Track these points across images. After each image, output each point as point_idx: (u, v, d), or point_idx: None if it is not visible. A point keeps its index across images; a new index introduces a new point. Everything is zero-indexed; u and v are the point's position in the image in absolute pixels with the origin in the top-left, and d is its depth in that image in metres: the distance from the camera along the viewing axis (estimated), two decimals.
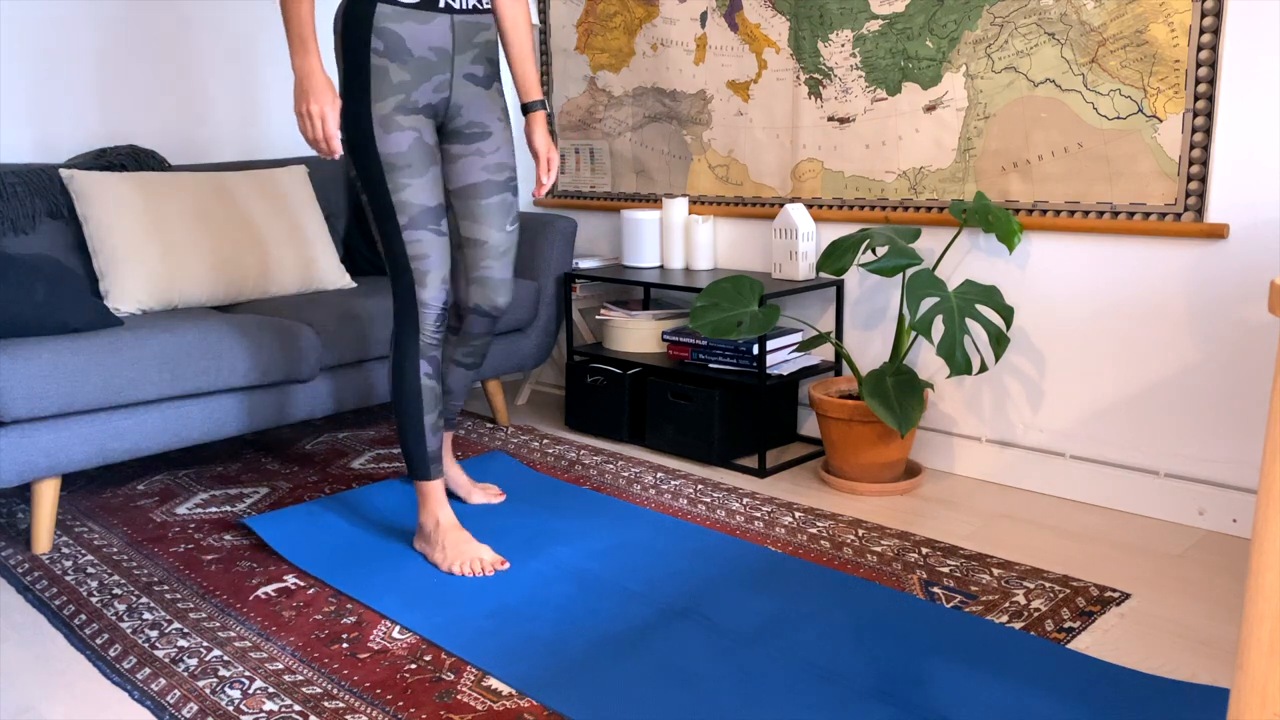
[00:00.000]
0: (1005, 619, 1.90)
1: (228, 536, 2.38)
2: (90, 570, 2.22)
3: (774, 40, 2.89)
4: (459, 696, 1.69)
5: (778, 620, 1.90)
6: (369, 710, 1.65)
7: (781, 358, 2.81)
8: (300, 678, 1.76)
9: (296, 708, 1.67)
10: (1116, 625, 1.89)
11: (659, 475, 2.74)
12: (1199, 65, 2.18)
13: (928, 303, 2.68)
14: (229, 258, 2.86)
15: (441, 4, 2.03)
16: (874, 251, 2.58)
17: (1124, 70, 2.28)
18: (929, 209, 2.67)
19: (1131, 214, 2.33)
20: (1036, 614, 1.92)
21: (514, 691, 1.70)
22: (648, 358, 3.03)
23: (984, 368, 2.42)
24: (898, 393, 2.46)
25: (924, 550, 2.21)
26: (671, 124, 3.21)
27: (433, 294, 2.10)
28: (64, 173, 2.78)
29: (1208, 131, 2.19)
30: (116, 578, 2.18)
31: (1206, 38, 2.16)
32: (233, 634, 1.92)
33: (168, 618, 1.99)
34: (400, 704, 1.67)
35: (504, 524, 2.39)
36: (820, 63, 2.80)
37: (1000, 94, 2.48)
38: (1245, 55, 2.13)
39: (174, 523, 2.47)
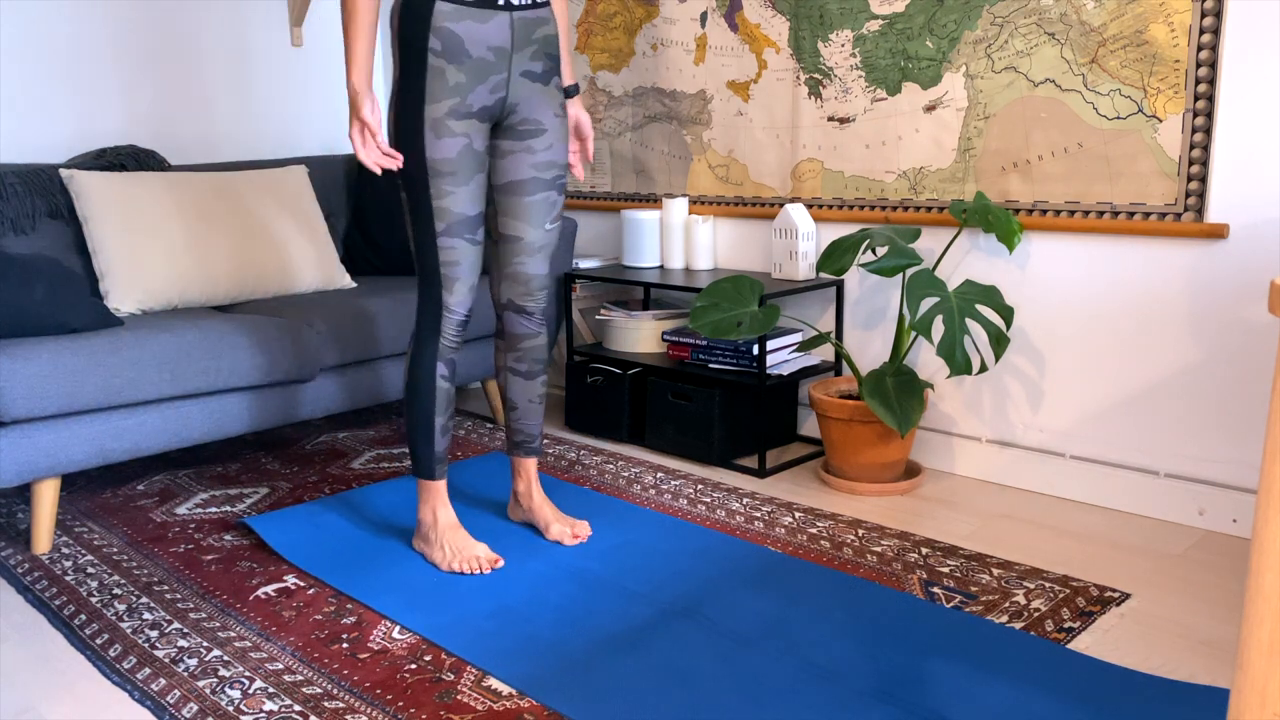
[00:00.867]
0: (1005, 619, 1.90)
1: (228, 536, 2.38)
2: (90, 570, 2.22)
3: (774, 40, 2.89)
4: (459, 696, 1.69)
5: (778, 620, 1.90)
6: (369, 710, 1.65)
7: (781, 358, 2.81)
8: (300, 678, 1.76)
9: (296, 708, 1.67)
10: (1116, 625, 1.89)
11: (659, 475, 2.74)
12: (1199, 65, 2.18)
13: (928, 303, 2.68)
14: (229, 258, 2.86)
15: (501, 1, 1.97)
16: (874, 251, 2.58)
17: (1124, 70, 2.28)
18: (929, 209, 2.67)
19: (1131, 214, 2.33)
20: (1036, 614, 1.92)
21: (514, 691, 1.70)
22: (648, 358, 3.03)
23: (984, 368, 2.42)
24: (898, 393, 2.46)
25: (924, 550, 2.21)
26: (671, 124, 3.21)
27: (458, 300, 2.09)
28: (64, 173, 2.78)
29: (1208, 131, 2.19)
30: (116, 578, 2.18)
31: (1206, 38, 2.16)
32: (233, 634, 1.92)
33: (168, 618, 1.99)
34: (400, 704, 1.67)
35: (504, 524, 2.40)
36: (820, 63, 2.80)
37: (1000, 94, 2.48)
38: (1245, 55, 2.13)
39: (174, 523, 2.47)
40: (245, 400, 2.56)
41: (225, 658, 1.83)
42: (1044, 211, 2.47)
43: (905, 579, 2.08)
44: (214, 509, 2.56)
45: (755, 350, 2.75)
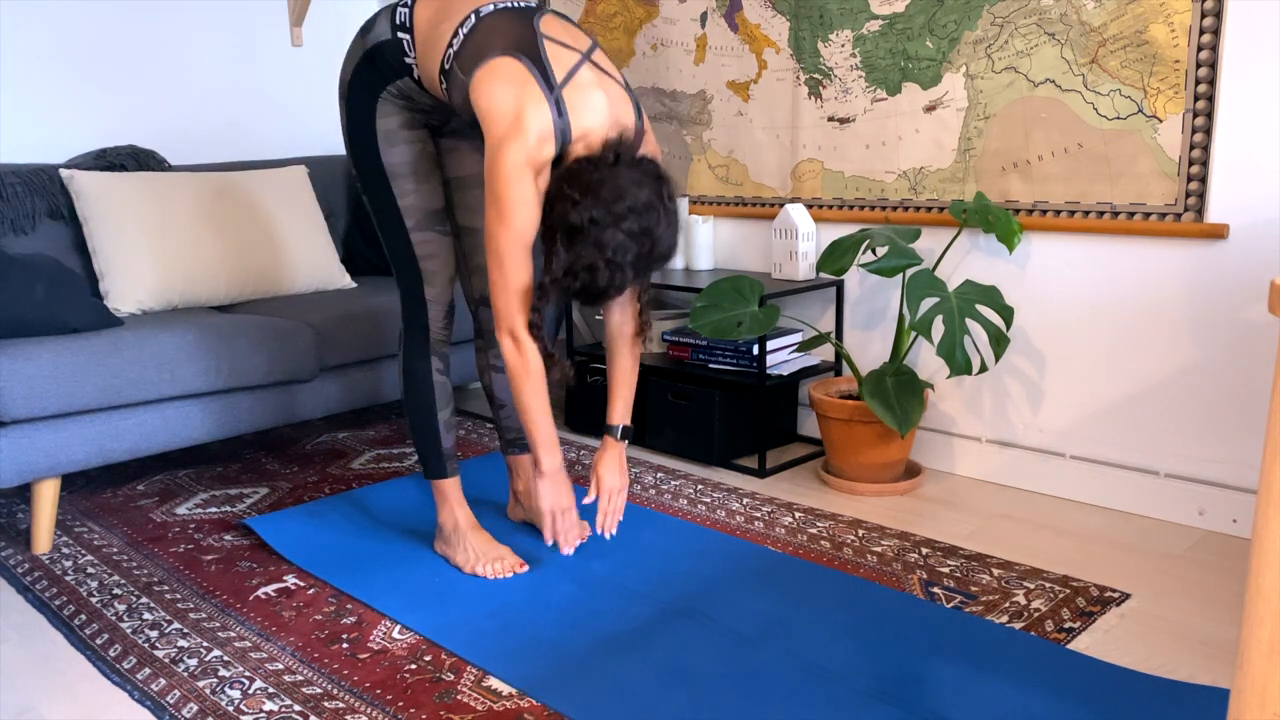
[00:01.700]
0: (1005, 619, 1.90)
1: (228, 536, 2.38)
2: (90, 570, 2.22)
3: (774, 40, 2.89)
4: (459, 696, 1.69)
5: (778, 620, 1.90)
6: (369, 710, 1.65)
7: (781, 358, 2.81)
8: (300, 678, 1.76)
9: (296, 708, 1.67)
10: (1116, 625, 1.89)
11: (659, 475, 2.74)
12: (1199, 65, 2.18)
13: (928, 303, 2.68)
14: (229, 258, 2.86)
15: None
16: (874, 252, 2.58)
17: (1124, 70, 2.28)
18: (929, 209, 2.67)
19: (1131, 214, 2.33)
20: (1036, 614, 1.92)
21: (514, 691, 1.70)
22: (648, 358, 3.03)
23: (984, 368, 2.42)
24: (898, 393, 2.46)
25: (924, 550, 2.21)
26: (671, 124, 3.21)
27: (439, 292, 2.10)
28: (64, 173, 2.78)
29: (1208, 132, 2.19)
30: (116, 578, 2.18)
31: (1206, 38, 2.16)
32: (233, 634, 1.92)
33: (168, 618, 1.99)
34: (400, 704, 1.67)
35: (505, 524, 2.39)
36: (820, 63, 2.80)
37: (1000, 94, 2.48)
38: (1245, 55, 2.13)
39: (174, 523, 2.47)
40: (245, 400, 2.56)
41: (225, 658, 1.83)
42: (1044, 212, 2.47)
43: (905, 579, 2.08)
44: (214, 509, 2.56)
45: (755, 350, 2.75)
